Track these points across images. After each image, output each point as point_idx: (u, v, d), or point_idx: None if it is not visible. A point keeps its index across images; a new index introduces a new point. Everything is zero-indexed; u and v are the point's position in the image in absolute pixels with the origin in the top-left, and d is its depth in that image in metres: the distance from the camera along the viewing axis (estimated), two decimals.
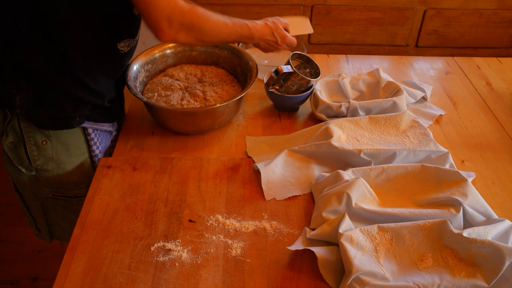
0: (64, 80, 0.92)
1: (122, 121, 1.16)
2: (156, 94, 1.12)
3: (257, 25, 1.05)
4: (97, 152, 1.04)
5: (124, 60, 1.04)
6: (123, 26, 0.97)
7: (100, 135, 1.04)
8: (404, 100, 1.14)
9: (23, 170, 1.01)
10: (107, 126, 1.06)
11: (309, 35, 1.68)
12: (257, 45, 1.11)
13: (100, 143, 1.04)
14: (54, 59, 0.89)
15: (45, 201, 1.08)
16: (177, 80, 1.18)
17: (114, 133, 1.11)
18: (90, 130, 1.01)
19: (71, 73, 0.92)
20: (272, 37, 1.08)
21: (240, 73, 1.21)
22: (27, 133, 0.96)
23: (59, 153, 0.99)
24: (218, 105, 1.03)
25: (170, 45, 1.21)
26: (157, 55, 1.20)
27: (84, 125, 0.99)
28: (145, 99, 1.05)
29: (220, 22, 0.98)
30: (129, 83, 1.07)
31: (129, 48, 1.01)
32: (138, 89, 1.12)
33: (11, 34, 0.86)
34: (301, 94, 1.14)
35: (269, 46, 1.10)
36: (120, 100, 1.11)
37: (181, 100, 1.10)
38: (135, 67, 1.13)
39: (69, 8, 0.85)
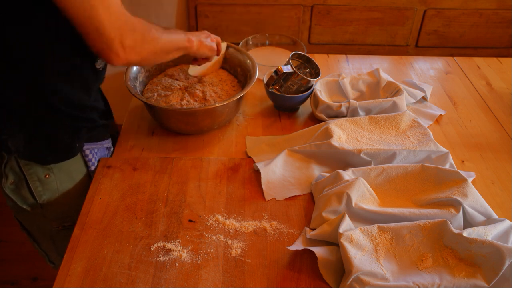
0: (51, 115, 0.88)
1: (115, 132, 1.15)
2: (155, 94, 1.12)
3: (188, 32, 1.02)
4: (92, 167, 1.02)
5: (102, 74, 0.98)
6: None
7: (97, 153, 1.02)
8: (404, 100, 1.14)
9: (28, 209, 0.98)
10: (106, 143, 1.04)
11: (309, 35, 1.68)
12: (197, 50, 1.02)
13: (95, 160, 1.02)
14: (37, 97, 0.85)
15: (55, 234, 1.06)
16: (177, 80, 1.18)
17: (111, 149, 1.08)
18: (87, 152, 0.99)
19: (54, 108, 0.87)
20: (204, 34, 1.04)
21: (240, 73, 1.21)
22: (27, 170, 0.93)
23: (63, 183, 0.97)
24: (217, 104, 1.03)
25: None
26: None
27: (84, 148, 0.97)
28: (145, 99, 1.05)
29: (162, 31, 0.91)
30: (128, 83, 1.07)
31: (103, 63, 0.95)
32: (137, 89, 1.12)
33: None
34: (301, 94, 1.14)
35: (206, 46, 1.04)
36: (110, 112, 1.08)
37: (181, 100, 1.10)
38: (134, 67, 1.13)
39: (40, 40, 0.79)
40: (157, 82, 1.17)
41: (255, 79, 1.10)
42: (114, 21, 0.78)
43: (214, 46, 1.07)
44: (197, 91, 1.12)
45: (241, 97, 1.08)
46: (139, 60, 0.87)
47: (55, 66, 0.84)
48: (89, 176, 1.02)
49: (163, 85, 1.15)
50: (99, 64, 0.93)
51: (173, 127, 1.10)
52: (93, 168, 1.02)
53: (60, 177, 0.96)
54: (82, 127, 0.95)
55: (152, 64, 1.00)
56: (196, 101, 1.10)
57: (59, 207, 1.00)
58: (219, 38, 1.10)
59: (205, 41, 1.04)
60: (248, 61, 1.17)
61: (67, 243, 1.06)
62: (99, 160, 1.02)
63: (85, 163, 1.00)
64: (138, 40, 0.84)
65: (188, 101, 1.09)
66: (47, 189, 0.96)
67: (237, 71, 1.22)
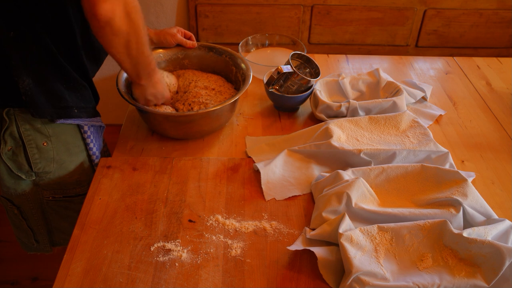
0: (58, 66, 0.92)
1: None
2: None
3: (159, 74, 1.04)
4: (94, 150, 1.05)
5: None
6: None
7: (93, 131, 1.04)
8: (404, 100, 1.14)
9: (23, 177, 1.00)
10: (100, 122, 1.05)
11: (309, 35, 1.68)
12: (138, 91, 1.04)
13: (96, 141, 1.05)
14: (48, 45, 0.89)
15: (46, 205, 1.08)
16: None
17: (103, 129, 1.10)
18: (86, 128, 1.01)
19: (58, 58, 0.92)
20: (156, 97, 1.05)
21: (212, 65, 1.22)
22: (27, 136, 0.95)
23: (60, 153, 0.99)
24: (212, 108, 1.02)
25: (161, 50, 1.20)
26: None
27: (80, 122, 0.99)
28: (139, 105, 1.03)
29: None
30: (121, 88, 1.05)
31: None
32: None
33: (7, 21, 0.85)
34: (301, 94, 1.14)
35: (152, 99, 1.06)
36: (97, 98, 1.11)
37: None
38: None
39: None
40: None
41: (250, 81, 1.10)
42: None
43: (159, 102, 1.08)
44: (191, 99, 1.10)
45: (237, 99, 1.07)
46: (107, 40, 0.84)
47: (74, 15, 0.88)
48: (87, 153, 1.04)
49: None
50: None
51: (169, 134, 1.09)
52: (92, 145, 1.03)
53: (57, 147, 0.98)
54: (79, 90, 0.97)
55: (120, 50, 0.89)
56: (202, 106, 1.08)
57: (54, 178, 1.02)
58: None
59: (157, 93, 1.04)
60: (243, 64, 1.16)
61: (57, 215, 1.09)
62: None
63: (84, 139, 1.02)
64: (126, 13, 0.82)
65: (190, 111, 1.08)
66: (44, 157, 0.98)
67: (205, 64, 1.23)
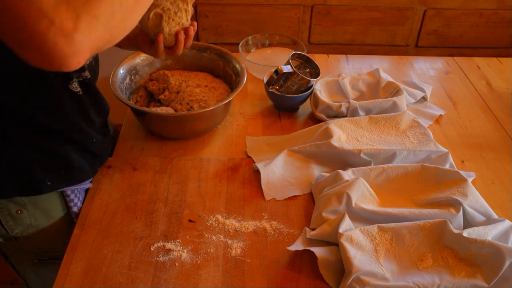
0: (14, 138, 0.78)
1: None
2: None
3: None
4: (74, 209, 0.92)
5: (82, 97, 0.83)
6: None
7: (80, 192, 0.93)
8: (404, 100, 1.14)
9: (1, 240, 0.91)
10: (88, 184, 0.94)
11: (309, 35, 1.68)
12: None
13: (79, 201, 0.93)
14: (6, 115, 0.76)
15: (33, 266, 0.99)
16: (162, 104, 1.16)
17: (89, 187, 0.95)
18: (69, 192, 0.90)
19: (17, 129, 0.77)
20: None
21: (195, 62, 1.21)
22: None
23: (38, 219, 0.90)
24: (221, 103, 1.02)
25: (142, 54, 1.16)
26: (142, 58, 1.16)
27: (58, 190, 0.88)
28: (133, 105, 1.03)
29: None
30: (116, 90, 1.04)
31: (86, 86, 0.82)
32: (128, 92, 1.11)
33: None
34: (301, 94, 1.14)
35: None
36: (105, 133, 0.97)
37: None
38: (121, 70, 1.10)
39: None
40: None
41: (245, 74, 1.10)
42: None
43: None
44: (179, 105, 1.10)
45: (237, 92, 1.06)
46: (102, 36, 0.55)
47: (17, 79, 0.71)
48: (70, 216, 0.93)
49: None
50: (75, 87, 0.79)
51: (164, 133, 1.09)
52: (75, 209, 0.92)
53: (35, 214, 0.89)
54: (58, 158, 0.84)
55: (121, 35, 0.61)
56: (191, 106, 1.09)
57: (35, 242, 0.93)
58: None
59: None
60: (237, 65, 1.15)
61: (48, 274, 0.98)
62: (83, 201, 0.93)
63: (66, 203, 0.91)
64: (81, 4, 0.52)
65: (191, 108, 1.08)
66: (20, 224, 0.89)
67: (187, 62, 1.22)
